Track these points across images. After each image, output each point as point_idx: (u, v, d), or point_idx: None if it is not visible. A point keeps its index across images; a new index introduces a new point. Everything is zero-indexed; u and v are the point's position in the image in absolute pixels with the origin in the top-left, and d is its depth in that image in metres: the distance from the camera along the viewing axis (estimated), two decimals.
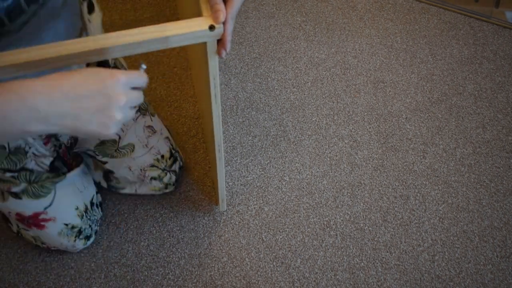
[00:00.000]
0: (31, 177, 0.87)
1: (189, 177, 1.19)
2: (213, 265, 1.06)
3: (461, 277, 1.07)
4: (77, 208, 0.97)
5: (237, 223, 1.12)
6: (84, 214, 0.99)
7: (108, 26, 1.46)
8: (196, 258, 1.07)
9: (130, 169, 1.03)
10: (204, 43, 0.64)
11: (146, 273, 1.04)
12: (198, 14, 0.65)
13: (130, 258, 1.06)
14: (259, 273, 1.05)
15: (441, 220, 1.15)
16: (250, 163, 1.21)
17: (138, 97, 0.58)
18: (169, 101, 1.32)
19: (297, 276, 1.05)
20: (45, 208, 0.92)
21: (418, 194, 1.19)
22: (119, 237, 1.09)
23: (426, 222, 1.14)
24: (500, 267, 1.09)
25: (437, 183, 1.20)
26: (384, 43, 1.49)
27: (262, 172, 1.20)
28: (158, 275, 1.04)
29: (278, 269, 1.06)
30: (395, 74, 1.41)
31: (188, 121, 1.28)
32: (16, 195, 0.88)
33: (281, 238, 1.10)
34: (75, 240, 0.99)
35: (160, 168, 1.05)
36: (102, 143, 0.99)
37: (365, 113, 1.32)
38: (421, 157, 1.25)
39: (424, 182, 1.20)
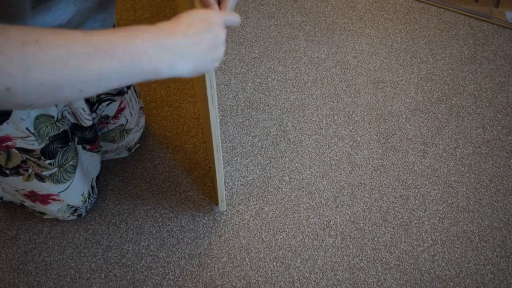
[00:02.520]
0: (62, 160, 0.93)
1: (189, 177, 1.19)
2: (213, 265, 1.06)
3: (461, 277, 1.07)
4: (82, 194, 1.04)
5: (237, 223, 1.12)
6: (87, 199, 1.06)
7: None
8: (196, 258, 1.07)
9: (118, 147, 1.16)
10: None
11: (146, 273, 1.04)
12: None
13: (130, 258, 1.06)
14: (259, 273, 1.05)
15: (441, 220, 1.15)
16: (250, 163, 1.21)
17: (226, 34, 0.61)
18: (169, 101, 1.32)
19: (297, 276, 1.05)
20: (60, 192, 0.98)
21: (418, 194, 1.19)
22: (119, 237, 1.09)
23: (426, 222, 1.14)
24: (500, 267, 1.09)
25: (437, 183, 1.20)
26: (384, 43, 1.49)
27: (262, 172, 1.20)
28: (158, 275, 1.04)
29: (278, 269, 1.06)
30: (395, 74, 1.41)
31: (188, 121, 1.28)
32: (41, 179, 0.93)
33: (281, 238, 1.10)
34: (68, 216, 1.07)
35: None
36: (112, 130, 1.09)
37: (365, 113, 1.32)
38: (421, 157, 1.25)
39: (424, 182, 1.20)
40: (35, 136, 0.84)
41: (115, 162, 1.20)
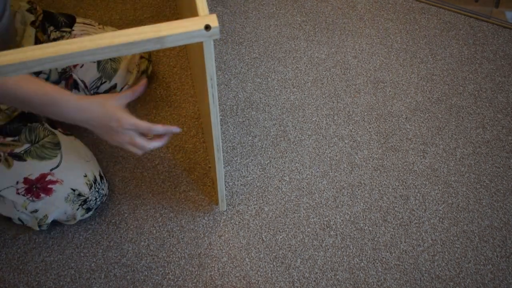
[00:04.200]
0: (31, 136, 0.92)
1: (189, 177, 1.19)
2: (213, 265, 1.06)
3: (461, 277, 1.07)
4: (85, 176, 0.99)
5: (237, 223, 1.12)
6: (93, 184, 1.01)
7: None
8: (196, 258, 1.07)
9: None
10: (201, 43, 0.65)
11: (146, 273, 1.04)
12: (196, 14, 0.65)
13: (130, 258, 1.06)
14: (259, 273, 1.05)
15: (441, 220, 1.15)
16: (250, 163, 1.21)
17: (142, 143, 0.84)
18: (169, 101, 1.32)
19: (297, 276, 1.05)
20: (52, 170, 0.94)
21: (418, 194, 1.19)
22: (119, 237, 1.09)
23: (426, 222, 1.14)
24: (500, 267, 1.09)
25: (437, 183, 1.20)
26: (384, 43, 1.49)
27: (262, 172, 1.20)
28: (158, 275, 1.04)
29: (278, 269, 1.06)
30: (395, 74, 1.41)
31: (188, 121, 1.28)
32: (20, 158, 0.92)
33: (281, 238, 1.10)
34: (78, 209, 1.00)
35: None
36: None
37: (365, 113, 1.32)
38: (421, 157, 1.25)
39: (424, 182, 1.20)
40: None
41: (114, 162, 1.20)
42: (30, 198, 0.95)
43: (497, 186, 1.21)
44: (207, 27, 0.60)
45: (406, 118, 1.32)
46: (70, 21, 1.12)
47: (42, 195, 0.95)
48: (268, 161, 1.22)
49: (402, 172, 1.22)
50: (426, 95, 1.37)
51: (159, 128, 0.84)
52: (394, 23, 1.55)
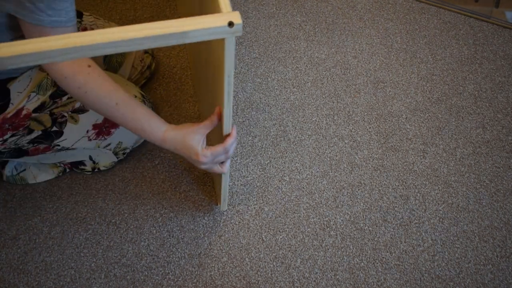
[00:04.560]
0: None
1: (189, 177, 1.19)
2: (213, 265, 1.06)
3: (461, 277, 1.07)
4: (135, 96, 1.07)
5: (237, 223, 1.12)
6: (144, 99, 1.11)
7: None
8: (196, 258, 1.07)
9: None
10: (222, 40, 0.65)
11: (146, 273, 1.04)
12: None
13: (130, 258, 1.06)
14: (259, 273, 1.05)
15: (441, 220, 1.15)
16: (250, 163, 1.21)
17: (219, 167, 0.92)
18: (169, 101, 1.32)
19: (297, 276, 1.05)
20: None
21: (418, 194, 1.19)
22: (119, 237, 1.09)
23: (426, 222, 1.14)
24: (500, 267, 1.09)
25: (437, 183, 1.21)
26: (384, 43, 1.49)
27: (262, 172, 1.20)
28: (158, 275, 1.04)
29: (278, 269, 1.06)
30: (395, 74, 1.41)
31: (188, 121, 1.28)
32: (82, 111, 1.01)
33: (281, 238, 1.10)
34: (122, 150, 1.14)
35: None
36: None
37: (365, 113, 1.32)
38: (421, 157, 1.25)
39: (424, 182, 1.20)
40: (34, 92, 0.95)
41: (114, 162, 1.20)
42: (102, 138, 1.07)
43: (497, 186, 1.21)
44: (230, 24, 0.60)
45: (406, 118, 1.32)
46: (78, 14, 1.13)
47: (112, 130, 1.06)
48: (268, 161, 1.22)
49: (402, 172, 1.22)
50: (426, 95, 1.37)
51: (232, 143, 0.89)
52: (394, 23, 1.55)
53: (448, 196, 1.19)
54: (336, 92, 1.36)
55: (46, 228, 1.09)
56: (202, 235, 1.10)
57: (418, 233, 1.12)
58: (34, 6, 0.72)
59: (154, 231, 1.10)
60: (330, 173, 1.21)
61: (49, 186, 1.15)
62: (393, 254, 1.09)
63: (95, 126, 1.04)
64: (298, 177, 1.20)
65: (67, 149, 1.05)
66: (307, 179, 1.19)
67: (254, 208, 1.14)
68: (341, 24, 1.53)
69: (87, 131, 1.04)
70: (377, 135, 1.28)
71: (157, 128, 0.87)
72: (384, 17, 1.56)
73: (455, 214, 1.16)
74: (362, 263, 1.08)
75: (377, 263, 1.08)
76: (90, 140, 1.06)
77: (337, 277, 1.06)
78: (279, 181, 1.19)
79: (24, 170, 1.14)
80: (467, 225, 1.14)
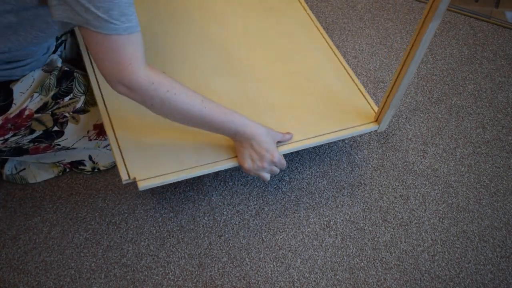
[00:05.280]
0: (81, 87, 1.01)
1: None
2: (213, 265, 1.06)
3: (461, 277, 1.07)
4: None
5: (237, 223, 1.12)
6: None
7: None
8: (196, 258, 1.07)
9: None
10: None
11: (146, 273, 1.04)
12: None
13: (130, 258, 1.06)
14: (259, 273, 1.05)
15: (441, 220, 1.15)
16: None
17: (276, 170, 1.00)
18: None
19: (297, 276, 1.05)
20: None
21: (418, 194, 1.19)
22: (119, 237, 1.09)
23: (426, 222, 1.14)
24: (500, 267, 1.09)
25: (437, 183, 1.21)
26: (384, 43, 1.49)
27: None
28: (158, 275, 1.04)
29: (278, 269, 1.06)
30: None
31: None
32: (84, 111, 1.02)
33: (281, 238, 1.10)
34: None
35: None
36: None
37: None
38: (421, 157, 1.25)
39: (424, 182, 1.21)
40: (37, 92, 0.95)
41: (114, 162, 1.20)
42: (102, 138, 1.08)
43: (497, 186, 1.21)
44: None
45: (406, 118, 1.32)
46: None
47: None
48: None
49: (402, 172, 1.22)
50: (426, 95, 1.37)
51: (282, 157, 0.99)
52: (394, 23, 1.55)
53: (448, 196, 1.19)
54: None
55: (46, 228, 1.09)
56: (202, 235, 1.10)
57: (418, 233, 1.13)
58: (108, 15, 0.69)
59: (154, 231, 1.10)
60: (330, 173, 1.21)
61: (49, 186, 1.15)
62: (393, 254, 1.09)
63: (95, 126, 1.05)
64: (298, 177, 1.20)
65: (67, 148, 1.05)
66: (307, 179, 1.20)
67: (254, 208, 1.14)
68: (341, 24, 1.53)
69: (88, 131, 1.04)
70: (377, 135, 1.28)
71: (246, 120, 0.91)
72: (384, 17, 1.56)
73: (455, 214, 1.16)
74: (362, 263, 1.08)
75: (377, 263, 1.08)
76: (90, 140, 1.06)
77: (337, 277, 1.06)
78: (279, 181, 1.19)
79: (24, 169, 1.14)
80: (467, 225, 1.14)
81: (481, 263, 1.09)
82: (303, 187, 1.18)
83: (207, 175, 1.19)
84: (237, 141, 0.95)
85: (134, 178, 0.92)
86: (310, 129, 1.05)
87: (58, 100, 0.98)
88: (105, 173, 1.18)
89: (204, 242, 1.09)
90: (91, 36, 0.73)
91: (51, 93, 0.97)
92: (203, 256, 1.07)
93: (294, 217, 1.13)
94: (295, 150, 1.04)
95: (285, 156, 1.23)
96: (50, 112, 0.98)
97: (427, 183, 1.20)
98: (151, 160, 0.96)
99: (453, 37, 1.51)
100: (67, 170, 1.17)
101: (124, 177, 0.92)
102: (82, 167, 1.14)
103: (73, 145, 1.05)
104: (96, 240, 1.08)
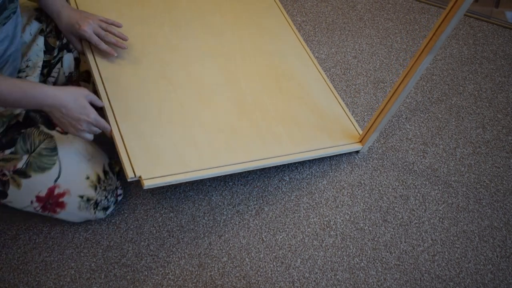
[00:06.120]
0: (27, 145, 0.94)
1: None
2: (213, 265, 1.06)
3: (461, 277, 1.07)
4: (88, 178, 0.99)
5: (237, 223, 1.12)
6: (97, 185, 1.01)
7: None
8: (196, 258, 1.07)
9: None
10: None
11: (146, 273, 1.04)
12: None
13: (130, 258, 1.06)
14: (259, 273, 1.05)
15: (441, 220, 1.15)
16: None
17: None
18: None
19: (297, 276, 1.05)
20: (55, 181, 0.96)
21: (418, 194, 1.19)
22: (119, 237, 1.09)
23: (426, 222, 1.14)
24: (500, 267, 1.09)
25: (437, 183, 1.21)
26: (384, 43, 1.49)
27: (262, 172, 1.20)
28: (158, 275, 1.04)
29: (278, 269, 1.06)
30: (395, 74, 1.41)
31: None
32: (25, 174, 0.93)
33: (281, 238, 1.10)
34: (95, 212, 1.03)
35: None
36: None
37: (365, 113, 1.32)
38: (421, 157, 1.25)
39: (424, 182, 1.21)
40: None
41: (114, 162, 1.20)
42: (49, 214, 1.00)
43: (497, 186, 1.21)
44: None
45: (406, 118, 1.32)
46: None
47: (58, 209, 0.99)
48: None
49: (402, 172, 1.22)
50: (426, 95, 1.37)
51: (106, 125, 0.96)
52: (394, 23, 1.55)
53: (448, 196, 1.19)
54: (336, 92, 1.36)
55: (46, 228, 1.09)
56: (202, 235, 1.10)
57: (418, 233, 1.12)
58: None
59: (154, 231, 1.10)
60: (330, 173, 1.21)
61: None
62: (393, 254, 1.09)
63: (38, 199, 0.97)
64: (298, 177, 1.20)
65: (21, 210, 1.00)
66: (307, 179, 1.20)
67: (254, 208, 1.14)
68: (341, 24, 1.53)
69: (31, 202, 0.97)
70: (377, 135, 1.28)
71: (49, 91, 0.88)
72: (384, 17, 1.56)
73: (455, 214, 1.16)
74: (362, 263, 1.08)
75: (377, 263, 1.08)
76: (37, 211, 0.99)
77: (337, 277, 1.06)
78: (279, 181, 1.19)
79: None
80: (467, 225, 1.14)
81: (481, 263, 1.09)
82: (303, 187, 1.18)
83: None
84: (49, 112, 0.90)
85: (140, 177, 0.92)
86: (302, 145, 1.12)
87: None
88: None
89: (204, 242, 1.09)
90: None
91: None
92: (203, 256, 1.07)
93: (294, 217, 1.13)
94: (286, 163, 1.08)
95: None
96: None
97: (427, 183, 1.20)
98: (156, 161, 0.96)
99: (453, 37, 1.51)
100: None
101: (129, 174, 0.92)
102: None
103: (22, 209, 0.99)
104: (96, 240, 1.08)
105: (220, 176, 1.18)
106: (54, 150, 0.96)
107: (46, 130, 0.98)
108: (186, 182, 1.17)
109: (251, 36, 1.29)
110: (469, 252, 1.10)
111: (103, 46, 1.02)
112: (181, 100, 1.07)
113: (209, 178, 1.18)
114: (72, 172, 0.97)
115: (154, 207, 1.14)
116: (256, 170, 1.20)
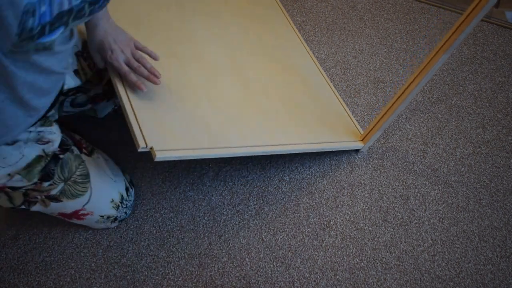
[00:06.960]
0: (64, 174, 0.93)
1: (189, 177, 1.19)
2: (213, 265, 1.06)
3: (461, 277, 1.07)
4: (112, 201, 1.03)
5: (237, 223, 1.12)
6: (119, 204, 1.05)
7: None
8: (196, 258, 1.07)
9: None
10: None
11: (146, 273, 1.04)
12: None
13: (130, 258, 1.06)
14: (259, 273, 1.05)
15: (441, 220, 1.15)
16: (250, 163, 1.21)
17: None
18: None
19: (297, 276, 1.05)
20: (84, 205, 0.98)
21: (418, 194, 1.19)
22: (119, 237, 1.09)
23: (426, 222, 1.14)
24: (500, 267, 1.09)
25: (437, 183, 1.21)
26: (384, 43, 1.49)
27: (262, 172, 1.20)
28: (158, 275, 1.04)
29: (278, 269, 1.06)
30: (395, 74, 1.41)
31: None
32: (56, 199, 0.94)
33: (281, 238, 1.10)
34: (111, 223, 1.07)
35: None
36: None
37: (365, 113, 1.32)
38: (421, 157, 1.25)
39: (424, 182, 1.21)
40: (21, 175, 0.86)
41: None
42: (63, 218, 1.02)
43: (497, 186, 1.21)
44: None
45: (406, 118, 1.32)
46: None
47: (74, 219, 1.02)
48: (268, 161, 1.22)
49: (402, 172, 1.22)
50: (426, 95, 1.37)
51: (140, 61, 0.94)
52: (394, 23, 1.55)
53: (448, 196, 1.19)
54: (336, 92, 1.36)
55: (46, 228, 1.09)
56: (202, 235, 1.10)
57: (418, 233, 1.12)
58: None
59: (154, 231, 1.10)
60: (330, 173, 1.21)
61: None
62: (393, 254, 1.09)
63: (61, 214, 1.00)
64: (298, 177, 1.20)
65: None
66: (307, 179, 1.20)
67: (254, 208, 1.14)
68: (341, 24, 1.53)
69: (52, 213, 1.00)
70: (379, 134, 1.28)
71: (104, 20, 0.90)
72: (384, 17, 1.56)
73: (455, 214, 1.16)
74: (362, 263, 1.08)
75: (377, 263, 1.08)
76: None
77: (337, 277, 1.06)
78: (279, 181, 1.19)
79: None
80: (467, 225, 1.14)
81: (481, 263, 1.09)
82: (303, 187, 1.18)
83: (207, 175, 1.19)
84: (104, 38, 0.90)
85: (152, 148, 0.87)
86: (306, 136, 1.12)
87: (36, 182, 0.89)
88: None
89: (204, 242, 1.09)
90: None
91: (35, 179, 0.88)
92: (203, 256, 1.07)
93: (294, 217, 1.13)
94: (294, 152, 1.06)
95: (285, 155, 1.23)
96: (24, 191, 0.90)
97: (427, 183, 1.20)
98: (168, 135, 0.92)
99: None
100: None
101: (141, 144, 0.86)
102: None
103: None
104: (96, 240, 1.08)
105: (220, 176, 1.18)
106: (87, 177, 0.97)
107: (77, 152, 0.97)
108: (186, 183, 1.17)
109: (255, 30, 1.30)
110: (469, 252, 1.10)
111: (133, 77, 0.91)
112: (191, 80, 1.06)
113: (209, 178, 1.18)
114: (99, 196, 1.00)
115: (154, 207, 1.14)
116: (256, 170, 1.20)
